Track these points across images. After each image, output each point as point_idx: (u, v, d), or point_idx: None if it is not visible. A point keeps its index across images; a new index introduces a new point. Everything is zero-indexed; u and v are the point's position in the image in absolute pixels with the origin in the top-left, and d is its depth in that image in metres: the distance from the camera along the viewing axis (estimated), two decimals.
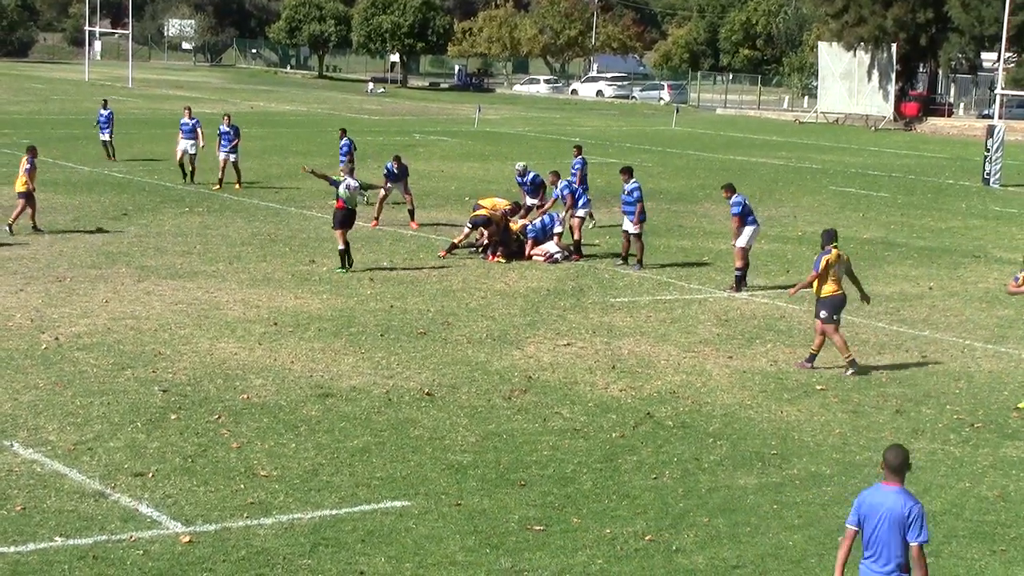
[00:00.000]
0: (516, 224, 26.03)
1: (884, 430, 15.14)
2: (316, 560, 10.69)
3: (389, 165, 28.96)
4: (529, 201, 28.08)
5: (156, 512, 11.55)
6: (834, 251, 17.63)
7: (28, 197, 26.12)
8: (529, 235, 25.76)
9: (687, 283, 24.01)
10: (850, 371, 17.59)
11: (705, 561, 11.02)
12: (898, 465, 8.56)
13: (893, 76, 77.46)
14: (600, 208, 31.03)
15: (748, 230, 22.97)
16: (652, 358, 18.08)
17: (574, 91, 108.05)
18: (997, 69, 65.84)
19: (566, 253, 25.73)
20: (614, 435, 14.45)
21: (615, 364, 17.61)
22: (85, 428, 13.83)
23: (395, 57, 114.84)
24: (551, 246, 25.61)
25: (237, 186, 34.28)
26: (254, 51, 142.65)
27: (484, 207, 25.82)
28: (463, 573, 10.59)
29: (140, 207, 30.63)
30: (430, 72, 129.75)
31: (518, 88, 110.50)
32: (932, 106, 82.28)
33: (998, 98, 61.89)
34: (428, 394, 15.73)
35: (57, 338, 17.64)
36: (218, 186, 34.27)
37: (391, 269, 24.01)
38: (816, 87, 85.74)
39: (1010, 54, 71.29)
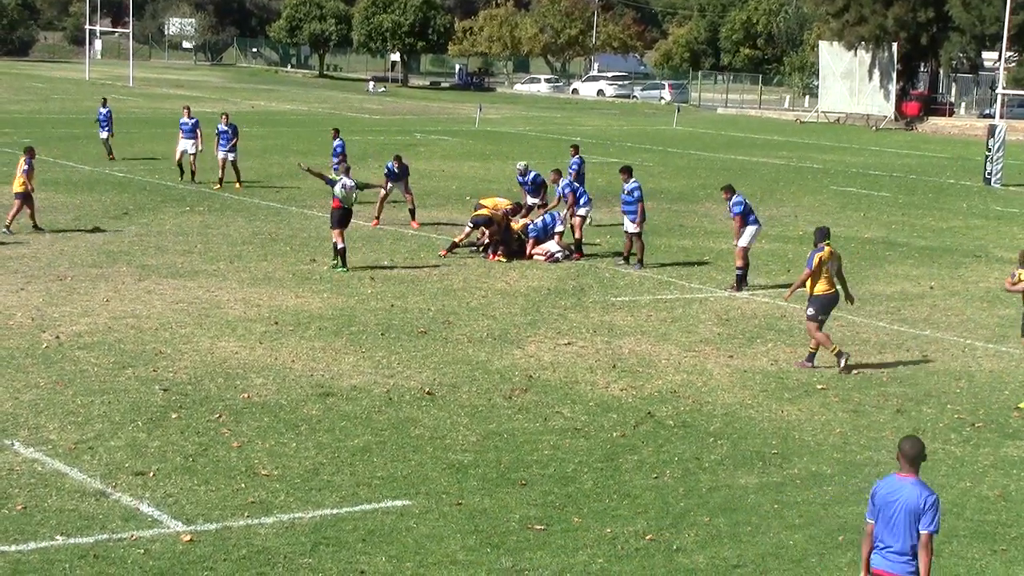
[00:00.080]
0: (518, 223, 26.04)
1: (885, 429, 15.14)
2: (317, 559, 10.69)
3: (390, 164, 28.96)
4: (530, 200, 28.09)
5: (157, 511, 11.56)
6: (827, 249, 17.64)
7: (25, 197, 26.12)
8: (531, 234, 25.76)
9: (688, 282, 24.01)
10: (842, 362, 17.55)
11: (706, 560, 11.02)
12: (914, 456, 8.62)
13: (894, 75, 77.45)
14: (600, 207, 31.01)
15: (750, 230, 22.99)
16: (653, 357, 18.08)
17: (575, 90, 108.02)
18: (998, 68, 65.81)
19: (567, 252, 25.74)
20: (615, 434, 14.45)
21: (616, 363, 17.61)
22: (86, 427, 13.84)
23: (396, 56, 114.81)
24: (552, 245, 25.61)
25: (237, 185, 34.28)
26: (255, 50, 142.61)
27: (486, 207, 25.83)
28: (464, 572, 10.59)
29: (141, 206, 30.64)
30: (431, 71, 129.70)
31: (519, 87, 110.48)
32: (933, 106, 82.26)
33: (999, 97, 61.91)
34: (429, 393, 15.74)
35: (58, 337, 17.64)
36: (218, 185, 34.28)
37: (392, 267, 24.01)
38: (817, 86, 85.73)
39: (1011, 53, 71.27)
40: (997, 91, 63.67)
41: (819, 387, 16.89)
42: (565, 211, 26.37)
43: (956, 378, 17.75)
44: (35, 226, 26.37)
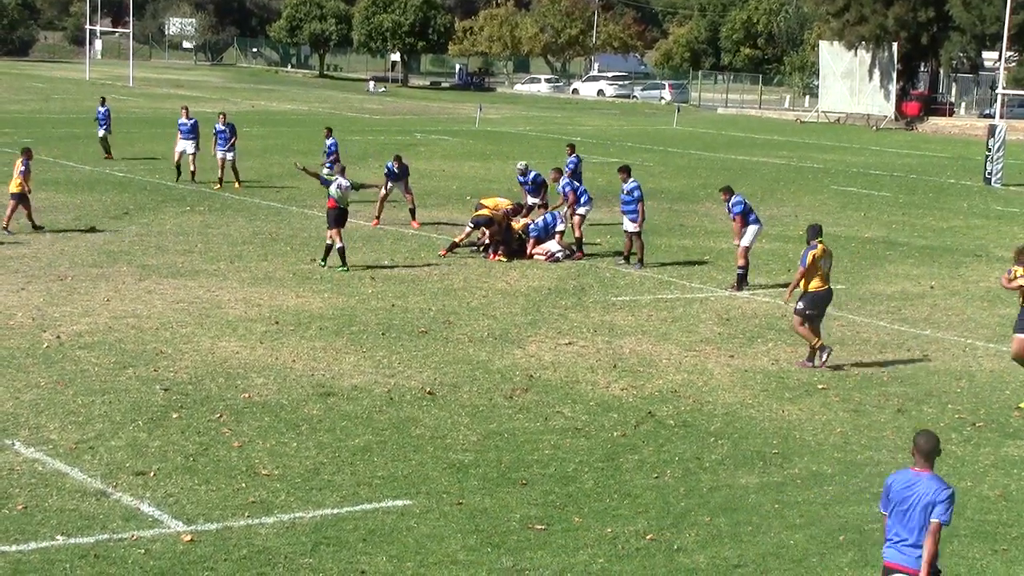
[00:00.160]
0: (518, 223, 26.04)
1: (885, 429, 15.14)
2: (317, 559, 10.68)
3: (390, 164, 28.95)
4: (530, 200, 28.09)
5: (158, 511, 11.55)
6: (820, 246, 17.64)
7: (21, 198, 26.11)
8: (532, 234, 25.76)
9: (688, 282, 24.01)
10: (824, 356, 17.58)
11: (706, 560, 11.02)
12: (929, 450, 8.65)
13: (894, 75, 77.47)
14: (600, 207, 31.00)
15: (752, 229, 23.00)
16: (653, 357, 18.08)
17: (575, 90, 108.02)
18: (998, 68, 65.80)
19: (567, 252, 25.73)
20: (615, 434, 14.45)
21: (616, 363, 17.61)
22: (86, 427, 13.83)
23: (396, 56, 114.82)
24: (552, 245, 25.61)
25: (236, 185, 34.29)
26: (255, 50, 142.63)
27: (486, 207, 25.83)
28: (464, 572, 10.59)
29: (141, 206, 30.64)
30: (431, 71, 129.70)
31: (519, 87, 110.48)
32: (933, 105, 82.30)
33: (999, 97, 61.89)
34: (429, 393, 15.73)
35: (58, 337, 17.64)
36: (218, 185, 34.27)
37: (392, 266, 24.01)
38: (817, 86, 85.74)
39: (1011, 53, 71.27)
40: (997, 91, 63.65)
41: (820, 387, 16.89)
42: (566, 209, 26.38)
43: (957, 378, 17.75)
44: (34, 226, 26.37)
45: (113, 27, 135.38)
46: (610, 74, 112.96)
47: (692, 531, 11.65)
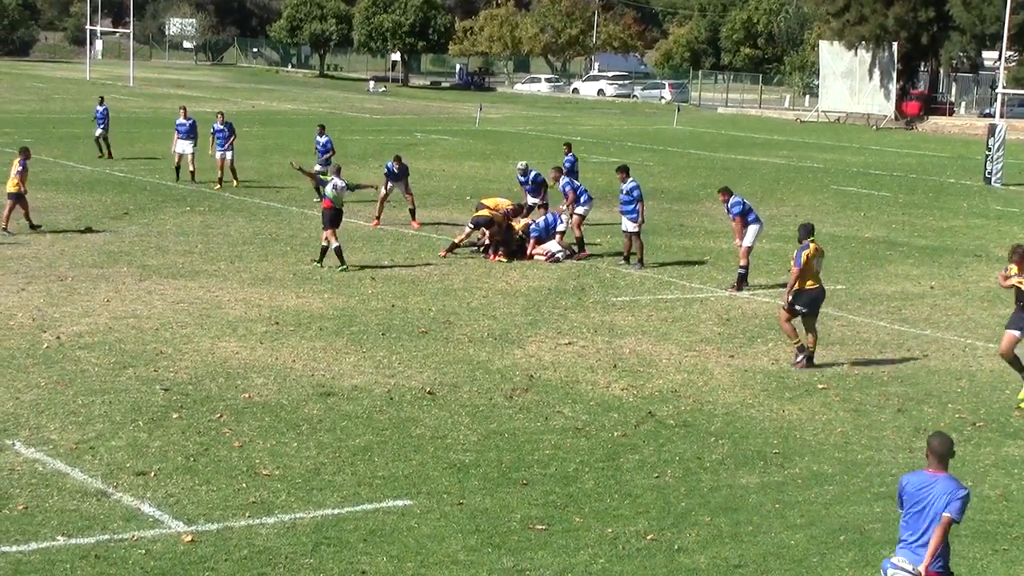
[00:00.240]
0: (519, 223, 26.03)
1: (886, 429, 15.14)
2: (318, 559, 10.68)
3: (390, 164, 28.94)
4: (531, 200, 28.09)
5: (158, 511, 11.55)
6: (812, 245, 17.64)
7: (19, 198, 26.10)
8: (532, 234, 25.76)
9: (688, 282, 24.01)
10: (800, 357, 17.60)
11: (707, 560, 11.01)
12: (943, 452, 8.71)
13: (894, 75, 77.46)
14: (600, 207, 31.00)
15: (753, 229, 23.01)
16: (654, 357, 18.08)
17: (575, 90, 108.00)
18: (998, 68, 65.79)
19: (568, 252, 25.73)
20: (616, 434, 14.44)
21: (616, 363, 17.61)
22: (87, 427, 13.83)
23: (396, 56, 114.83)
24: (553, 245, 25.61)
25: (234, 183, 34.33)
26: (255, 50, 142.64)
27: (487, 207, 25.83)
28: (465, 572, 10.59)
29: (141, 206, 30.64)
30: (431, 71, 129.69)
31: (519, 87, 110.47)
32: (933, 105, 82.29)
33: (999, 97, 61.88)
34: (430, 393, 15.73)
35: (59, 337, 17.64)
36: (218, 185, 34.27)
37: (392, 266, 24.01)
38: (817, 86, 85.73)
39: (1011, 53, 71.26)
40: (997, 90, 63.64)
41: (820, 387, 16.89)
42: (565, 209, 26.38)
43: (957, 377, 17.75)
44: (32, 225, 26.35)
45: (113, 27, 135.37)
46: (610, 74, 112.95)
47: (693, 531, 11.65)
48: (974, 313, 22.21)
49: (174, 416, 14.34)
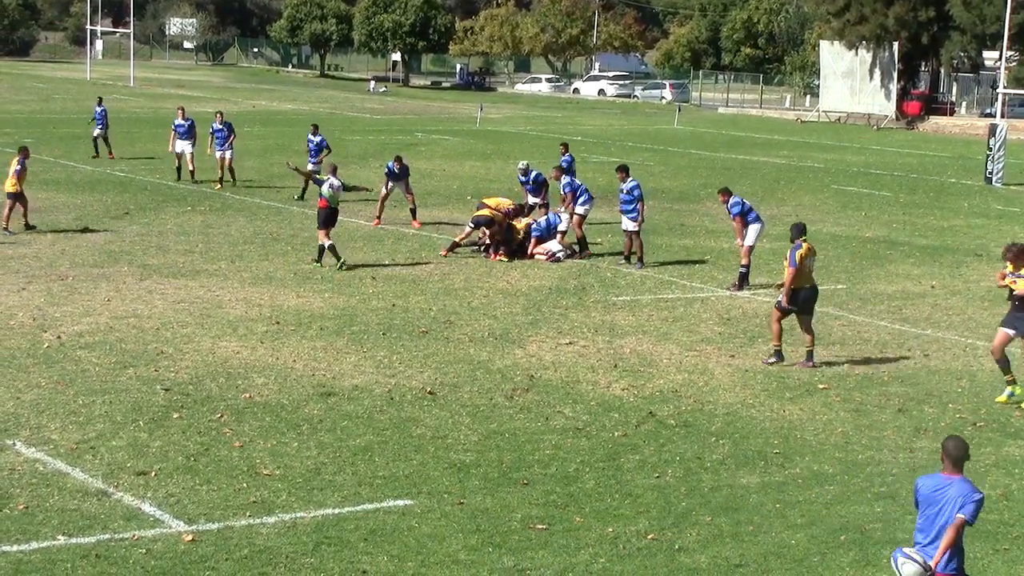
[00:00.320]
0: (521, 223, 26.03)
1: (886, 429, 15.13)
2: (319, 559, 10.68)
3: (390, 164, 28.93)
4: (531, 200, 28.09)
5: (159, 511, 11.55)
6: (804, 245, 17.65)
7: (19, 197, 26.09)
8: (534, 233, 25.76)
9: (689, 282, 24.01)
10: (772, 359, 17.76)
11: (708, 560, 11.01)
12: (958, 456, 8.78)
13: (895, 75, 77.47)
14: (601, 207, 30.99)
15: (754, 228, 23.01)
16: (654, 357, 18.07)
17: (576, 90, 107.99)
18: (999, 68, 65.80)
19: (569, 252, 25.73)
20: (616, 434, 14.44)
21: (617, 363, 17.60)
22: (87, 427, 13.84)
23: (397, 56, 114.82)
24: (554, 245, 25.61)
25: (232, 183, 34.35)
26: (255, 50, 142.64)
27: (488, 206, 25.83)
28: (466, 572, 10.59)
29: (142, 206, 30.64)
30: (432, 71, 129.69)
31: (520, 87, 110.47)
32: (934, 105, 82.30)
33: (1000, 97, 61.87)
34: (430, 393, 15.73)
35: (59, 337, 17.64)
36: (219, 185, 34.28)
37: (393, 265, 24.01)
38: (818, 86, 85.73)
39: (1012, 52, 71.25)
40: (998, 90, 63.64)
41: (821, 387, 16.89)
42: (564, 209, 26.39)
43: (958, 377, 17.75)
44: (27, 225, 26.32)
45: (114, 27, 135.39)
46: (611, 74, 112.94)
47: (693, 531, 11.65)
48: (975, 313, 22.21)
49: (175, 416, 14.34)
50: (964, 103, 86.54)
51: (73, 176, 35.91)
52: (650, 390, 16.34)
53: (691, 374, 17.23)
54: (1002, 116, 59.81)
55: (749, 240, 22.98)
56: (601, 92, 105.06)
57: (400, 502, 12.04)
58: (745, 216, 22.96)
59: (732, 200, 22.91)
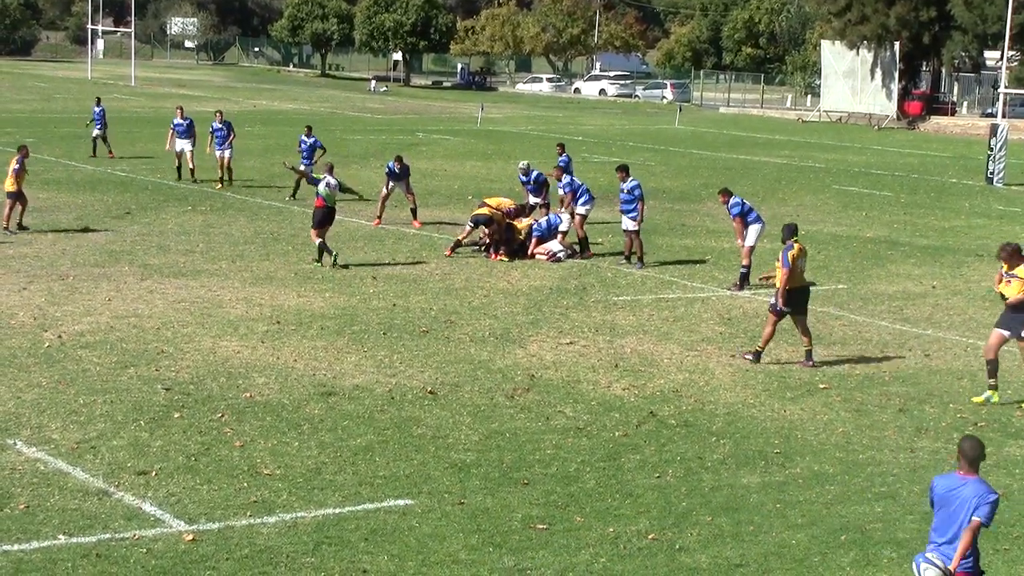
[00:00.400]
0: (522, 223, 26.03)
1: (887, 429, 15.13)
2: (319, 558, 10.69)
3: (391, 164, 28.93)
4: (532, 200, 28.10)
5: (159, 510, 11.56)
6: (796, 245, 17.65)
7: (19, 196, 26.08)
8: (535, 233, 25.76)
9: (690, 281, 24.01)
10: (750, 357, 17.84)
11: (708, 560, 11.01)
12: (974, 457, 8.83)
13: (896, 75, 77.47)
14: (602, 207, 30.99)
15: (755, 228, 23.02)
16: (655, 357, 18.07)
17: (577, 90, 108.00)
18: (1000, 68, 65.78)
19: (570, 252, 25.73)
20: (617, 434, 14.44)
21: (618, 363, 17.61)
22: (88, 426, 13.84)
23: (398, 55, 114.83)
24: (554, 245, 25.61)
25: (230, 182, 34.36)
26: (256, 49, 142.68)
27: (489, 205, 25.83)
28: (466, 572, 10.59)
29: (143, 206, 30.65)
30: (433, 71, 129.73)
31: (521, 87, 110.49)
32: (935, 105, 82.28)
33: (1001, 97, 61.85)
34: (431, 393, 15.73)
35: (60, 336, 17.64)
36: (219, 185, 34.29)
37: (393, 265, 24.01)
38: (819, 86, 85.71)
39: (1013, 52, 71.23)
40: (999, 90, 63.63)
41: (821, 386, 16.88)
42: (564, 209, 26.38)
43: (959, 377, 17.75)
44: (20, 225, 26.29)
45: (115, 27, 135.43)
46: (612, 73, 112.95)
47: (694, 531, 11.65)
48: (975, 313, 22.20)
49: (175, 415, 14.35)
50: (965, 103, 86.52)
51: (74, 176, 35.92)
52: (651, 390, 16.34)
53: (692, 374, 17.23)
54: (1003, 116, 59.78)
55: (750, 240, 22.99)
56: (602, 92, 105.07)
57: (401, 502, 12.04)
58: (745, 217, 22.97)
59: (732, 201, 22.93)
